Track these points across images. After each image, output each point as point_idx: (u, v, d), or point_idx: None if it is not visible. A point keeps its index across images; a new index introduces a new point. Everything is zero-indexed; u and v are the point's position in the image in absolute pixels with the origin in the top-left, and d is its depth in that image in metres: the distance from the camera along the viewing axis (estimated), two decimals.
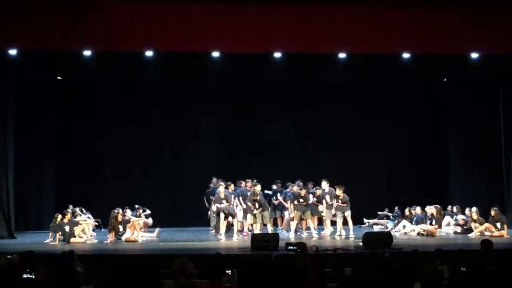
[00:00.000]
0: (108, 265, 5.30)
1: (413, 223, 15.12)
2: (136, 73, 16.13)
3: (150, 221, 15.75)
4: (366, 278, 4.95)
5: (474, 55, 13.89)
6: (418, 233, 14.50)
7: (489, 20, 12.98)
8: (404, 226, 15.26)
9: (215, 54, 13.70)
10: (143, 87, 17.76)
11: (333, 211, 14.23)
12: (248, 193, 14.39)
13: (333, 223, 14.46)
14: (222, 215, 13.90)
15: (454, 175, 18.25)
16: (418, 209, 15.35)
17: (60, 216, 13.64)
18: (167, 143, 18.44)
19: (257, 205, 14.02)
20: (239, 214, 14.34)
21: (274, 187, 16.09)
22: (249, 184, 15.02)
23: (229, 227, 14.17)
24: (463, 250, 8.89)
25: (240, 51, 13.31)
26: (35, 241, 13.64)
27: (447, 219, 15.38)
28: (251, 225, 14.37)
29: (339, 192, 14.12)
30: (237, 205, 14.36)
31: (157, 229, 15.21)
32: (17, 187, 15.94)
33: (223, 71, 15.53)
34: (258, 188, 14.41)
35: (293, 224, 14.38)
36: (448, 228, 15.20)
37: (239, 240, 13.56)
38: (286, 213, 15.50)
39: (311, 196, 14.85)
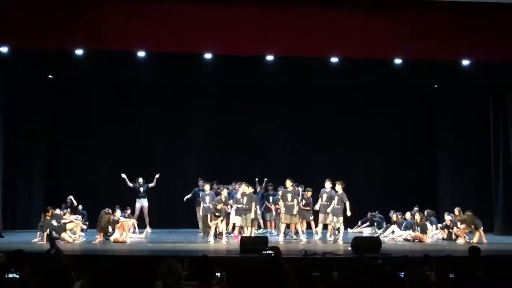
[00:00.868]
0: (97, 265, 5.27)
1: (402, 228, 15.16)
2: (129, 73, 16.09)
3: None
4: (354, 283, 4.95)
5: (466, 62, 13.97)
6: (405, 239, 14.54)
7: (480, 27, 13.07)
8: (393, 232, 15.31)
9: (208, 55, 13.69)
10: (135, 87, 17.73)
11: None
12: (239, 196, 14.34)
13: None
14: (209, 217, 13.94)
15: (444, 180, 18.32)
16: (407, 215, 15.39)
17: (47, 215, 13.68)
18: (158, 144, 18.41)
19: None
20: (232, 216, 14.32)
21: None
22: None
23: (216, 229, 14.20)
24: (451, 256, 8.94)
25: (233, 53, 13.31)
26: (22, 240, 13.57)
27: (433, 221, 15.53)
28: (241, 227, 14.31)
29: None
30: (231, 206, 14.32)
31: (146, 230, 15.19)
32: (5, 185, 15.85)
33: (216, 73, 15.54)
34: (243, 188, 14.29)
35: (282, 227, 14.34)
36: (436, 232, 15.34)
37: (228, 242, 13.55)
38: (268, 215, 15.74)
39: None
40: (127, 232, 13.87)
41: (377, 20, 12.99)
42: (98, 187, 17.75)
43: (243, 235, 13.51)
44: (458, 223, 14.45)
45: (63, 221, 13.67)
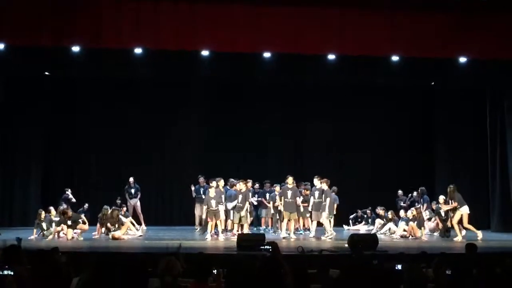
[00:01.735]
0: (93, 262, 5.28)
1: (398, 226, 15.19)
2: (125, 71, 16.01)
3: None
4: (352, 280, 4.97)
5: (463, 60, 13.97)
6: (401, 236, 14.58)
7: (478, 25, 13.07)
8: (389, 229, 15.34)
9: (205, 52, 13.67)
10: (132, 85, 17.67)
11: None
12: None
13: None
14: (205, 215, 14.05)
15: (440, 177, 18.32)
16: (401, 212, 15.47)
17: (43, 213, 13.68)
18: (154, 141, 18.35)
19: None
20: (230, 213, 14.32)
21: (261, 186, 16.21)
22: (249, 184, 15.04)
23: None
24: (447, 253, 8.96)
25: (230, 50, 13.28)
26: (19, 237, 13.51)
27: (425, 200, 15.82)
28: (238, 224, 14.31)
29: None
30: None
31: (142, 227, 15.22)
32: (2, 183, 15.80)
33: (213, 70, 15.51)
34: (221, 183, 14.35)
35: (284, 224, 14.31)
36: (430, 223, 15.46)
37: (225, 240, 13.56)
38: (264, 211, 15.82)
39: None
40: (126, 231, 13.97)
41: (374, 17, 12.98)
42: (95, 184, 17.74)
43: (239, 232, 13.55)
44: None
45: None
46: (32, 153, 17.38)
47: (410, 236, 14.47)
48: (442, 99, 18.49)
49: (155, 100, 18.12)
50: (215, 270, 6.29)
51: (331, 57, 13.94)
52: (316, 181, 14.33)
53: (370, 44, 13.06)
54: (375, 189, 17.95)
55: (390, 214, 15.69)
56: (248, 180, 15.00)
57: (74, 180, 17.71)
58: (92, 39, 12.61)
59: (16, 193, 16.97)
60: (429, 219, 15.66)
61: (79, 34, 12.59)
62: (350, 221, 17.40)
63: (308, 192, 14.72)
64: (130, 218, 15.26)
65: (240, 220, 13.98)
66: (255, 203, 15.68)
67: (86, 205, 16.08)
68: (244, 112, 18.37)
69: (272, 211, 15.48)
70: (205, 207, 14.15)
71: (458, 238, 13.89)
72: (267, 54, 13.81)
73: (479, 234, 14.01)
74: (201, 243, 13.04)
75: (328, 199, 14.04)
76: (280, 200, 14.14)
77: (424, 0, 12.85)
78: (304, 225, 15.35)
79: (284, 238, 13.64)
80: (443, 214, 14.83)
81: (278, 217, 14.81)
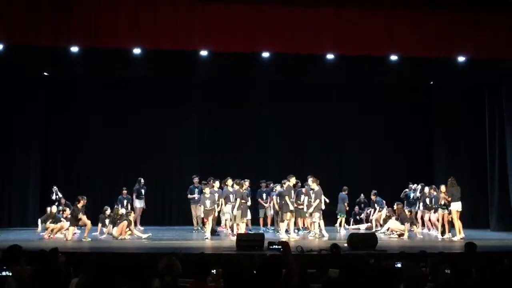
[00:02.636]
0: (93, 262, 5.28)
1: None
2: (124, 70, 16.07)
3: None
4: (351, 279, 4.97)
5: (461, 59, 13.98)
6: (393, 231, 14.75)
7: (475, 25, 13.08)
8: (388, 228, 15.39)
9: (203, 52, 13.66)
10: (130, 84, 17.70)
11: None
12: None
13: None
14: (201, 215, 14.18)
15: (439, 176, 18.33)
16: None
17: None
18: (153, 141, 18.34)
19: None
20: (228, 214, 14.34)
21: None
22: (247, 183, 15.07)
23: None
24: (446, 252, 8.97)
25: (228, 51, 13.27)
26: (18, 238, 13.50)
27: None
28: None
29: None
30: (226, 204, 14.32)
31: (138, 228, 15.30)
32: (1, 183, 15.77)
33: (211, 70, 15.55)
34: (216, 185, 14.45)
35: (285, 224, 14.31)
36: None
37: (222, 239, 13.58)
38: (260, 212, 15.96)
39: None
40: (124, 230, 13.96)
41: (372, 17, 12.98)
42: (94, 185, 17.72)
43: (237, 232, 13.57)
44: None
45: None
46: (30, 153, 17.36)
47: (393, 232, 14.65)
48: (440, 99, 18.54)
49: (153, 100, 18.13)
50: (214, 270, 6.30)
51: (330, 56, 13.94)
52: (310, 182, 14.38)
53: (368, 44, 13.06)
54: (374, 188, 17.93)
55: (388, 212, 15.67)
56: (246, 180, 15.03)
57: (72, 180, 17.70)
58: (91, 39, 12.59)
59: (15, 194, 16.94)
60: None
61: (77, 34, 12.56)
62: (351, 220, 17.38)
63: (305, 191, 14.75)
64: (133, 214, 15.23)
65: (234, 219, 14.00)
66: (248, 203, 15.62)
67: (63, 201, 15.91)
68: (242, 112, 18.39)
69: (272, 211, 15.50)
70: (202, 207, 14.17)
71: (458, 237, 13.88)
72: (265, 54, 13.81)
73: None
74: (199, 243, 13.05)
75: (317, 200, 14.10)
76: (282, 200, 14.13)
77: (423, 0, 12.85)
78: (303, 225, 15.34)
79: (288, 237, 13.66)
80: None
81: (280, 216, 14.72)
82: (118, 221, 14.02)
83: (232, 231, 14.19)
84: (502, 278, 5.70)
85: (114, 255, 10.46)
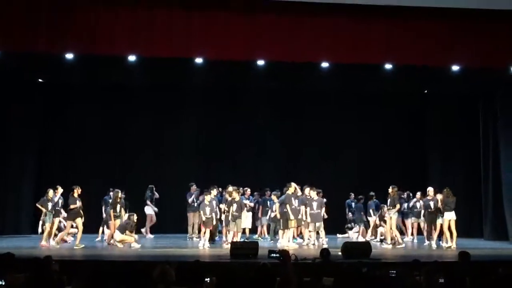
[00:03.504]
0: (86, 270, 5.26)
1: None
2: (119, 77, 16.06)
3: None
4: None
5: (455, 68, 14.03)
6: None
7: (470, 34, 13.14)
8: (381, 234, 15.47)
9: (199, 60, 13.68)
10: (126, 91, 17.66)
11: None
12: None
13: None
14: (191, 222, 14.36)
15: (433, 184, 18.34)
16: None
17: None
18: (147, 149, 18.32)
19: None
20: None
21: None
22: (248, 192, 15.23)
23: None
24: (440, 261, 8.97)
25: (224, 58, 13.30)
26: (11, 245, 13.44)
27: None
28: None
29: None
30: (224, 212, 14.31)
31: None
32: None
33: (207, 78, 15.56)
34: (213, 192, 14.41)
35: (290, 232, 14.33)
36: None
37: (217, 248, 13.56)
38: (264, 219, 15.87)
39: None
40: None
41: (368, 26, 13.03)
42: (89, 192, 17.63)
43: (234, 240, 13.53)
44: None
45: None
46: (25, 160, 17.28)
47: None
48: (435, 107, 18.63)
49: (149, 107, 18.15)
50: (208, 279, 6.28)
51: (325, 65, 13.97)
52: (313, 192, 14.50)
53: (364, 52, 13.10)
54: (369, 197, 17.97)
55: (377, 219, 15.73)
56: (246, 188, 15.09)
57: (67, 187, 17.60)
58: (87, 46, 12.60)
59: (9, 202, 16.85)
60: None
61: (73, 41, 12.55)
62: (347, 229, 17.39)
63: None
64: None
65: (238, 228, 13.97)
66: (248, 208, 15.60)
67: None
68: (238, 120, 18.40)
69: (266, 220, 15.51)
70: (202, 215, 14.14)
71: (451, 245, 13.92)
72: (261, 62, 13.83)
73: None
74: (194, 251, 13.01)
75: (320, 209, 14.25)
76: (284, 208, 14.15)
77: (417, 10, 12.90)
78: (300, 233, 15.33)
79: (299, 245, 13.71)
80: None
81: (280, 225, 14.66)
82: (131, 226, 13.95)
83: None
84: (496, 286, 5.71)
85: (107, 263, 10.43)
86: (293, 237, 14.88)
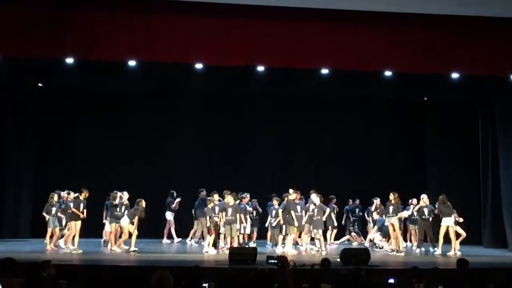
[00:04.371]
0: (84, 275, 5.26)
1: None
2: (119, 82, 16.06)
3: None
4: None
5: (455, 75, 14.07)
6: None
7: (469, 41, 13.14)
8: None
9: (199, 66, 13.70)
10: (125, 97, 17.67)
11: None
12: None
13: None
14: (205, 228, 14.25)
15: (433, 191, 18.34)
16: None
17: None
18: (147, 154, 18.31)
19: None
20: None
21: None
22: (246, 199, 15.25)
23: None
24: (439, 268, 8.96)
25: (223, 64, 13.32)
26: (9, 249, 13.42)
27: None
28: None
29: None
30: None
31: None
32: None
33: (206, 83, 15.57)
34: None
35: (291, 238, 14.38)
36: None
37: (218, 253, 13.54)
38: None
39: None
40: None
41: (367, 32, 13.03)
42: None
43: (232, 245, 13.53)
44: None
45: None
46: (23, 164, 17.27)
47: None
48: (434, 114, 18.65)
49: (148, 112, 18.17)
50: (206, 284, 6.27)
51: (324, 71, 14.01)
52: (316, 197, 14.52)
53: (363, 59, 13.12)
54: (366, 202, 17.97)
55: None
56: (246, 194, 15.16)
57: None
58: (85, 51, 12.59)
59: (6, 205, 16.82)
60: None
61: (72, 46, 12.55)
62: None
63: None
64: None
65: (233, 232, 13.96)
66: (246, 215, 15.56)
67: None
68: (237, 125, 18.44)
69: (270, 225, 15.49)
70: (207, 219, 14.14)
71: (452, 252, 13.96)
72: (260, 68, 13.86)
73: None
74: (192, 256, 13.00)
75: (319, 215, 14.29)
76: (288, 214, 14.21)
77: (417, 17, 12.93)
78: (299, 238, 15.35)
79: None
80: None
81: (284, 231, 14.71)
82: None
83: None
84: None
85: (106, 268, 10.42)
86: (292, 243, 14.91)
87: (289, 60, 13.08)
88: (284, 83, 15.78)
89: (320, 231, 14.35)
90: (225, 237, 14.17)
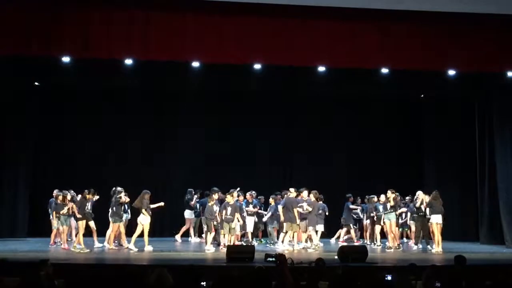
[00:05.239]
0: (80, 275, 5.25)
1: None
2: (115, 81, 16.04)
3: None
4: None
5: (451, 72, 14.09)
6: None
7: (466, 38, 13.19)
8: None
9: (195, 64, 13.69)
10: (122, 95, 17.66)
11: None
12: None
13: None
14: (205, 227, 14.35)
15: (429, 189, 18.33)
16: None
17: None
18: (144, 152, 18.30)
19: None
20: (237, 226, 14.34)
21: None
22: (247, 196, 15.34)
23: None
24: (437, 265, 8.97)
25: (220, 62, 13.31)
26: (6, 248, 13.40)
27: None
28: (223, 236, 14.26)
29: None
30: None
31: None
32: None
33: (203, 81, 15.55)
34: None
35: (287, 235, 14.41)
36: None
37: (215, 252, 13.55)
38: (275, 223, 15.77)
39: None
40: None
41: (364, 30, 13.06)
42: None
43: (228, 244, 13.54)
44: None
45: None
46: (20, 163, 17.22)
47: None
48: (431, 111, 18.65)
49: (145, 110, 18.14)
50: (204, 282, 6.27)
51: (322, 69, 14.01)
52: (309, 194, 14.64)
53: (360, 57, 13.14)
54: (364, 201, 17.98)
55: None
56: (252, 191, 15.41)
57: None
58: (82, 50, 12.58)
59: (4, 204, 16.78)
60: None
61: (68, 45, 12.54)
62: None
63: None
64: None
65: (229, 231, 13.97)
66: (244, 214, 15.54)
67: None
68: (234, 123, 18.39)
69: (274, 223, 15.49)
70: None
71: (435, 249, 14.03)
72: (257, 66, 13.85)
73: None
74: (190, 255, 13.00)
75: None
76: (293, 211, 14.24)
77: (414, 14, 12.95)
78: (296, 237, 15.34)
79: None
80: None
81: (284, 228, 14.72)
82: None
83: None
84: None
85: (105, 266, 10.42)
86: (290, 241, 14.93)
87: (285, 58, 13.08)
88: (281, 81, 15.78)
89: (317, 227, 14.48)
90: (224, 235, 14.17)
